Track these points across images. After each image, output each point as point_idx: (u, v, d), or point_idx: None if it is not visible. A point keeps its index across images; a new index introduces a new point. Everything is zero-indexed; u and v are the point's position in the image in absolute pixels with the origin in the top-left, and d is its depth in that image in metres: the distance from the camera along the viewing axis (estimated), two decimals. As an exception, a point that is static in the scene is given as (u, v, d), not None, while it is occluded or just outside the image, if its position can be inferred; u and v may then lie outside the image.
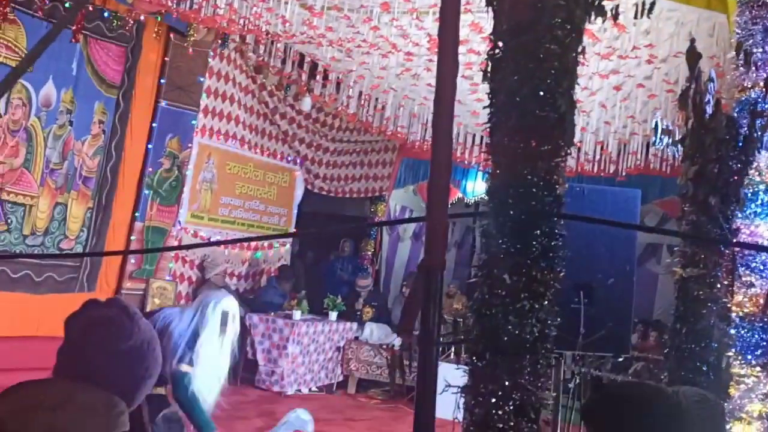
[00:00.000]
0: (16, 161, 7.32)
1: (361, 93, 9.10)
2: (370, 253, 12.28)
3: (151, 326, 1.73)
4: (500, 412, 1.89)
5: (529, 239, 2.00)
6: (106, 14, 7.80)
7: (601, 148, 9.36)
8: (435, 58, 1.62)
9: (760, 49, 4.29)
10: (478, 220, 2.22)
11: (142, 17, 7.94)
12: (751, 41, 4.30)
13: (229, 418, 7.30)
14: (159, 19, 8.12)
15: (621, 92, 7.76)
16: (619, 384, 2.98)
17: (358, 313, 10.63)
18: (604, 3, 2.27)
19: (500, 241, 2.01)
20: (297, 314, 9.15)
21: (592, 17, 2.24)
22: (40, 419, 1.47)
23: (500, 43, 2.19)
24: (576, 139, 9.06)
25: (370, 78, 8.62)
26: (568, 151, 2.13)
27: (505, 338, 1.92)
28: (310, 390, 9.31)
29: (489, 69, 2.22)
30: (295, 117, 10.97)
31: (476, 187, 12.19)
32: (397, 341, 9.45)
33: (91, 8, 7.58)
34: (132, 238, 8.67)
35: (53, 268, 7.72)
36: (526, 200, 2.02)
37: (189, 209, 9.45)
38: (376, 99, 9.35)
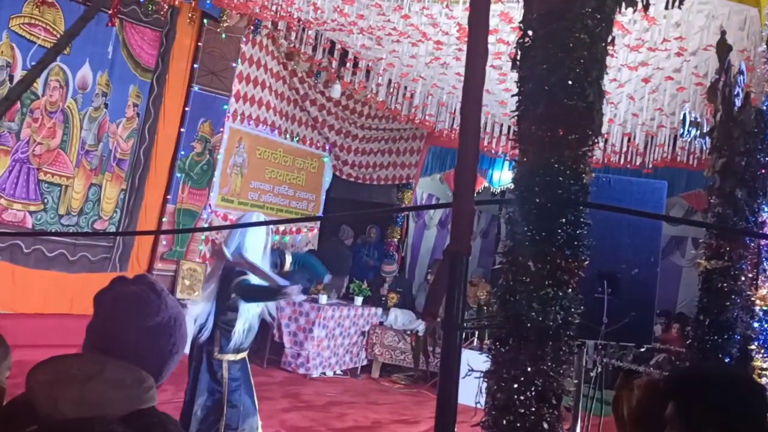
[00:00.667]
0: (53, 142, 7.41)
1: (390, 81, 9.07)
2: (396, 239, 12.28)
3: (177, 302, 1.74)
4: (522, 398, 1.88)
5: (554, 227, 1.98)
6: (141, -1, 7.86)
7: (629, 140, 9.26)
8: (464, 47, 1.61)
9: (792, 43, 4.22)
10: (504, 208, 2.20)
11: (176, 2, 7.98)
12: (782, 35, 4.23)
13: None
14: (193, 4, 8.15)
15: (650, 84, 7.65)
16: (703, 363, 2.96)
17: (383, 298, 10.64)
18: (634, -7, 2.24)
19: (526, 228, 2.00)
20: (323, 298, 9.18)
21: (623, 7, 2.21)
22: (70, 392, 1.49)
23: (530, 32, 2.17)
24: (603, 131, 9.00)
25: (399, 66, 8.59)
26: (596, 140, 2.10)
27: (529, 325, 1.91)
28: (334, 373, 9.35)
29: (518, 57, 2.20)
30: (325, 104, 10.98)
31: (502, 177, 12.12)
32: (421, 327, 9.46)
33: (127, -7, 7.64)
34: (163, 219, 8.75)
35: (87, 248, 7.82)
36: (552, 188, 2.00)
37: (219, 193, 9.51)
38: (405, 87, 9.31)
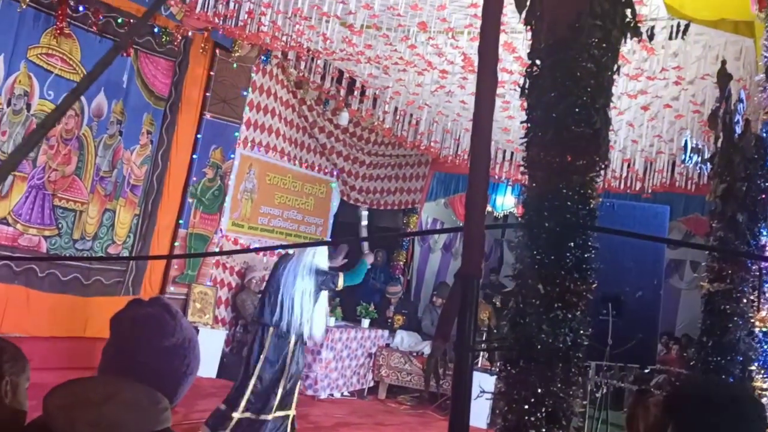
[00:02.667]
0: (68, 168, 7.43)
1: (396, 109, 9.12)
2: (402, 263, 12.27)
3: (190, 325, 1.73)
4: (532, 419, 1.87)
5: (563, 251, 1.98)
6: (156, 30, 7.92)
7: (628, 166, 9.28)
8: (469, 76, 1.62)
9: (788, 72, 4.23)
10: (514, 231, 2.20)
11: (189, 33, 8.05)
12: (778, 64, 4.24)
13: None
14: (205, 35, 8.22)
15: (648, 112, 7.68)
16: (703, 380, 2.92)
17: (389, 320, 10.60)
18: (639, 24, 2.26)
19: (535, 252, 2.00)
20: (331, 321, 9.15)
21: (629, 37, 2.22)
22: (87, 414, 1.48)
23: (538, 61, 2.18)
24: (604, 157, 9.03)
25: (405, 94, 8.64)
26: (603, 166, 2.11)
27: (539, 346, 1.90)
28: (342, 394, 9.29)
29: (527, 85, 2.21)
30: (333, 131, 11.01)
31: (505, 202, 12.13)
32: (427, 349, 9.42)
33: (142, 25, 7.70)
34: (176, 244, 8.75)
35: (101, 272, 7.82)
36: (560, 213, 2.00)
37: (230, 218, 9.52)
38: (411, 115, 9.36)
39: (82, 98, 7.44)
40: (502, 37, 6.28)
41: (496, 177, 10.74)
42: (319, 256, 5.85)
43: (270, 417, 5.62)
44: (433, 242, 13.54)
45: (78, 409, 1.49)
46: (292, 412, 5.80)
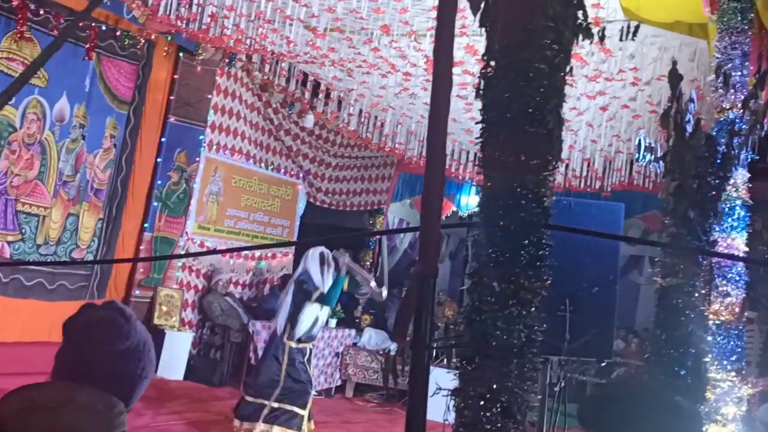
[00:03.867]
0: (31, 173, 7.31)
1: (361, 111, 9.12)
2: (369, 263, 12.27)
3: (145, 328, 1.71)
4: (488, 414, 1.88)
5: (517, 249, 1.99)
6: (118, 33, 7.82)
7: (588, 165, 9.39)
8: (431, 78, 1.62)
9: (739, 73, 4.31)
10: (470, 231, 2.21)
11: (153, 37, 7.96)
12: (730, 65, 4.33)
13: (233, 421, 7.25)
14: (169, 38, 8.14)
15: (607, 113, 7.78)
16: (612, 385, 2.95)
17: (357, 320, 10.59)
18: (591, 26, 2.28)
19: (490, 250, 2.01)
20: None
21: (580, 39, 2.24)
22: (42, 420, 1.45)
23: (492, 62, 2.19)
24: (564, 156, 9.12)
25: (370, 97, 8.64)
26: (556, 165, 2.12)
27: (494, 343, 1.91)
28: (309, 393, 9.25)
29: (481, 87, 2.22)
30: (299, 133, 10.98)
31: (470, 201, 12.19)
32: (393, 347, 9.43)
33: (104, 28, 7.60)
34: (141, 247, 8.66)
35: (65, 277, 7.70)
36: (515, 211, 2.01)
37: (196, 220, 9.43)
38: (376, 117, 9.37)
39: (45, 103, 7.33)
40: (464, 40, 6.32)
41: (460, 177, 10.79)
42: (310, 261, 6.10)
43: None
44: (399, 242, 13.57)
45: (32, 414, 1.46)
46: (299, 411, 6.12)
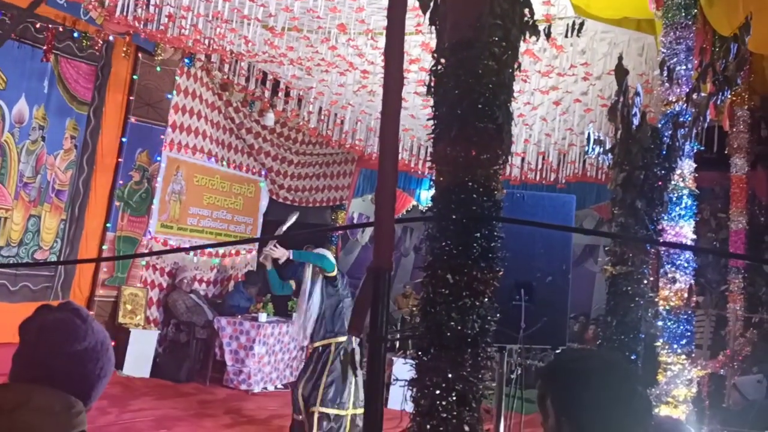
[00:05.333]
0: (-9, 175, 7.15)
1: (321, 109, 9.10)
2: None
3: (103, 328, 1.69)
4: (444, 403, 1.89)
5: (469, 241, 2.00)
6: (76, 35, 7.67)
7: (543, 158, 9.48)
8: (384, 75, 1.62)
9: (683, 67, 4.39)
10: (426, 224, 2.22)
11: (111, 37, 7.82)
12: (675, 59, 4.41)
13: (199, 416, 7.20)
14: (127, 39, 8.01)
15: (560, 107, 7.87)
16: (575, 352, 2.98)
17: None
18: (537, 23, 2.30)
19: (443, 243, 2.02)
20: (263, 316, 9.07)
21: (527, 36, 2.26)
22: None
23: (442, 60, 2.20)
24: (520, 150, 9.20)
25: (329, 94, 8.62)
26: (506, 159, 2.14)
27: (448, 333, 1.92)
28: (275, 387, 9.22)
29: (432, 83, 2.23)
30: (260, 131, 10.90)
31: (429, 196, 12.24)
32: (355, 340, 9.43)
33: (61, 29, 7.45)
34: (104, 247, 8.54)
35: (28, 278, 7.56)
36: (467, 205, 2.02)
37: (158, 219, 9.32)
38: (335, 114, 9.35)
39: (3, 105, 7.17)
40: (420, 38, 6.33)
41: (420, 172, 10.83)
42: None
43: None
44: (360, 236, 13.58)
45: None
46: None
